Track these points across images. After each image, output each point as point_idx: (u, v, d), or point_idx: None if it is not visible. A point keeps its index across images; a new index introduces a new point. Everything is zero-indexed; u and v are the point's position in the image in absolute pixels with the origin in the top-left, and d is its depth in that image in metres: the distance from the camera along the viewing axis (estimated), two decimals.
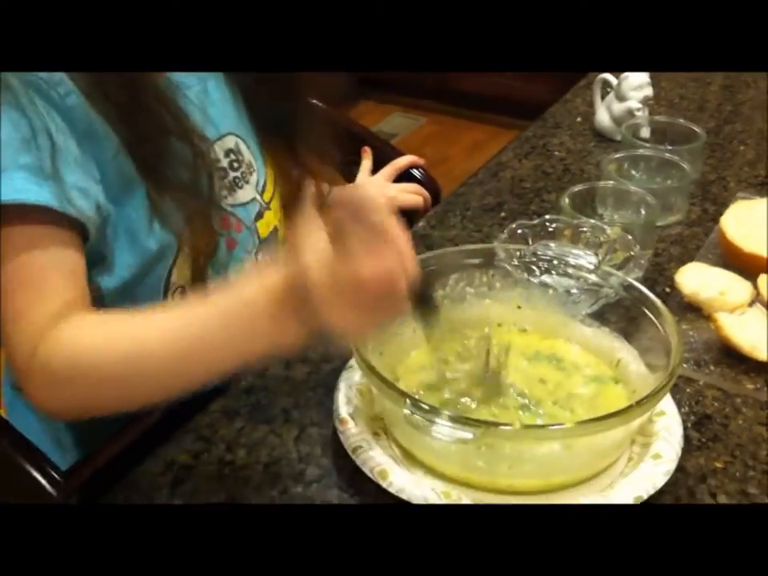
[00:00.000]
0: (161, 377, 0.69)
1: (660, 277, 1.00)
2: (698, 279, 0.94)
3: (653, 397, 0.69)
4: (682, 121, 1.27)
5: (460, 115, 3.30)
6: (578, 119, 1.40)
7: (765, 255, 0.96)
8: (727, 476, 0.74)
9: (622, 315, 0.82)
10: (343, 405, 0.76)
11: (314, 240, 0.62)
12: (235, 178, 0.89)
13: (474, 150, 3.08)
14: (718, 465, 0.75)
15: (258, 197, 0.92)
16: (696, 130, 1.22)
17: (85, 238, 0.75)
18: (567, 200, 1.01)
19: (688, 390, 0.84)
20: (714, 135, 1.32)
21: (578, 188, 1.05)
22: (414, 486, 0.69)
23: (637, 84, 1.28)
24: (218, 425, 0.79)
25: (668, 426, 0.75)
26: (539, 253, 0.87)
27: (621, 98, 1.30)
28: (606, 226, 0.95)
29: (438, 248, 1.01)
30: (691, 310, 0.93)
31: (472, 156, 2.99)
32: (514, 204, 1.17)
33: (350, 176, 1.23)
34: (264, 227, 0.92)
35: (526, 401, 0.77)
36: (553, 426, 0.73)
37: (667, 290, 0.97)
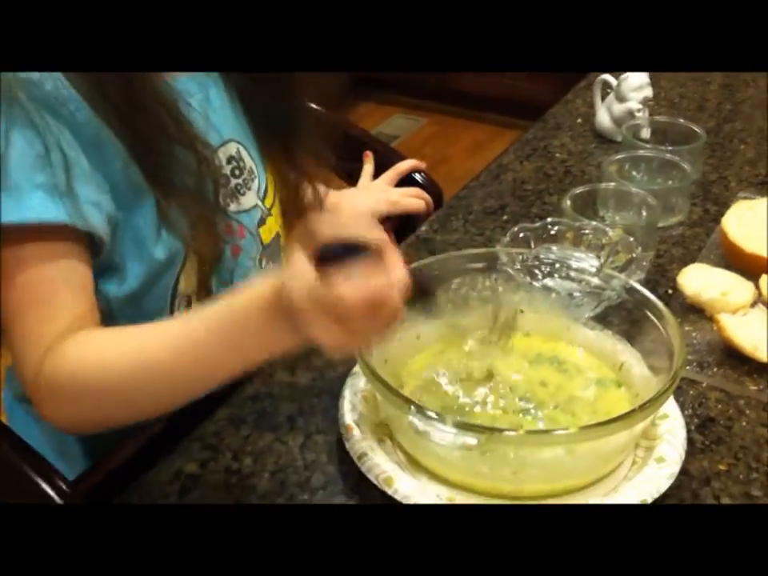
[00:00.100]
0: (165, 390, 0.70)
1: (662, 278, 1.00)
2: (700, 280, 0.94)
3: (656, 400, 0.70)
4: (682, 121, 1.27)
5: (460, 115, 3.29)
6: (579, 120, 1.40)
7: (766, 255, 0.96)
8: (731, 478, 0.74)
9: (624, 318, 0.82)
10: (348, 412, 0.76)
11: (300, 258, 0.63)
12: (237, 184, 0.89)
13: (475, 150, 3.08)
14: (722, 467, 0.76)
15: (260, 203, 0.92)
16: (696, 129, 1.22)
17: (96, 250, 0.76)
18: (569, 202, 1.02)
19: (691, 392, 0.84)
20: (714, 135, 1.32)
21: (579, 190, 1.05)
22: (419, 494, 0.69)
23: (637, 85, 1.28)
24: (224, 433, 0.79)
25: (671, 428, 0.75)
26: (541, 256, 0.87)
27: (621, 98, 1.30)
28: (607, 228, 0.95)
29: (440, 252, 1.01)
30: (694, 312, 0.93)
31: (473, 156, 2.99)
32: (515, 206, 1.17)
33: (351, 180, 1.23)
34: (266, 233, 0.92)
35: (527, 404, 0.77)
36: (557, 431, 0.72)
37: (669, 291, 0.98)
